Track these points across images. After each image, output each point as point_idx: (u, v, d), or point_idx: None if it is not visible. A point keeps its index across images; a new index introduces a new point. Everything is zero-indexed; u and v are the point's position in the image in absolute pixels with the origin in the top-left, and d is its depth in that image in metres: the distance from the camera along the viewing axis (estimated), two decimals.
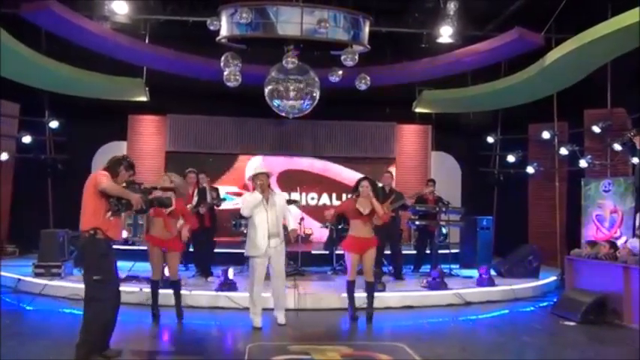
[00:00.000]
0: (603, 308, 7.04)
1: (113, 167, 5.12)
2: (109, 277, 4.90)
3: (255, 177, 6.45)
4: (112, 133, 12.48)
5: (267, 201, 6.39)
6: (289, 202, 7.07)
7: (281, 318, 6.59)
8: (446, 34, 9.80)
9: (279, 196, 6.72)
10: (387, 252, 9.28)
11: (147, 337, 6.33)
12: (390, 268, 9.36)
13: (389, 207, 7.68)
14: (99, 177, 4.94)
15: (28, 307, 7.39)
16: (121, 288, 7.49)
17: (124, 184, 5.18)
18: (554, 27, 9.87)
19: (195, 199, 8.61)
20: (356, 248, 6.81)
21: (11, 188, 11.00)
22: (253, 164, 6.59)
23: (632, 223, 8.57)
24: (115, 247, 11.31)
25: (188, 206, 7.94)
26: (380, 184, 9.16)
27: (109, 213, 4.93)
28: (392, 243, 9.19)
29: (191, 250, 8.98)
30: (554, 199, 11.40)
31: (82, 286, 7.61)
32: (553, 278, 9.45)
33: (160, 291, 6.77)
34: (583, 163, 10.40)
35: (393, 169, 12.87)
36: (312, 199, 12.87)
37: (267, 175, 6.52)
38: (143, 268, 9.20)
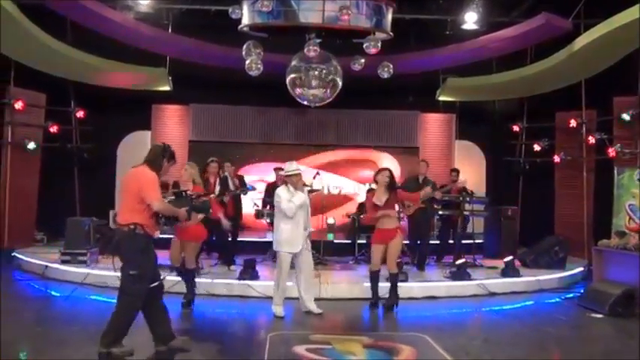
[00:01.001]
0: (632, 300, 6.88)
1: (156, 161, 5.05)
2: (145, 272, 4.91)
3: (292, 177, 6.52)
4: (137, 123, 12.60)
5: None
6: (310, 191, 7.10)
7: (315, 307, 6.64)
8: (471, 20, 9.64)
9: (305, 191, 6.79)
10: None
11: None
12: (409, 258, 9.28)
13: (423, 196, 7.52)
14: (150, 192, 4.85)
15: (55, 293, 7.54)
16: None
17: (172, 197, 5.32)
18: (582, 12, 9.62)
19: (218, 188, 8.64)
20: (379, 239, 6.84)
21: (39, 177, 11.19)
22: (289, 166, 6.62)
23: None
24: None
25: (211, 196, 7.99)
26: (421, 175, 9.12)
27: (157, 224, 5.02)
28: (420, 233, 9.13)
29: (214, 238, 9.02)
30: (581, 188, 11.16)
31: (107, 272, 7.88)
32: (580, 269, 9.28)
33: (176, 278, 6.87)
34: (612, 152, 10.15)
35: (416, 158, 12.76)
36: (335, 188, 12.83)
37: (300, 173, 6.63)
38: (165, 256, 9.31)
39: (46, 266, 8.50)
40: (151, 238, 4.98)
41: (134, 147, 12.68)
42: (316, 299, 6.95)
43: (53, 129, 11.22)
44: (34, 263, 8.82)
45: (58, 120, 11.34)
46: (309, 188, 7.04)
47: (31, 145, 10.78)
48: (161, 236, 10.93)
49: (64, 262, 8.45)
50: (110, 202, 12.20)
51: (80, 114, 11.62)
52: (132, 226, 4.84)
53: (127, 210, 4.91)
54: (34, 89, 10.93)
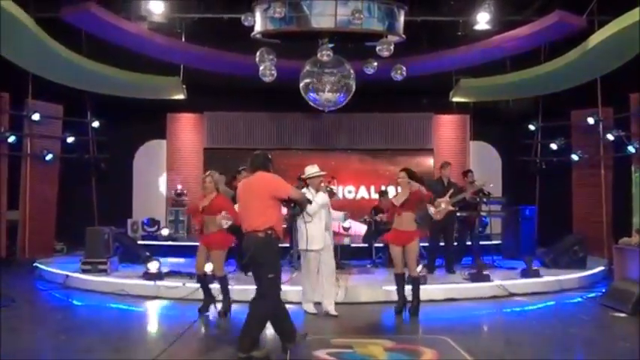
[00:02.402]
0: None
1: (266, 165, 5.26)
2: (280, 274, 5.17)
3: (314, 180, 6.72)
4: (152, 132, 12.72)
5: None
6: (330, 192, 7.13)
7: (332, 309, 6.75)
8: (483, 20, 9.59)
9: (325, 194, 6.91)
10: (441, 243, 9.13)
11: (192, 332, 6.43)
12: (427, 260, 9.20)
13: (449, 202, 7.34)
14: (281, 185, 5.16)
15: (76, 302, 7.61)
16: (163, 283, 7.78)
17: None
18: (596, 8, 9.54)
19: None
20: (396, 240, 6.79)
21: (57, 188, 11.32)
22: (311, 169, 6.81)
23: None
24: (158, 243, 11.62)
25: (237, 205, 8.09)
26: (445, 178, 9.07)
27: (290, 216, 5.37)
28: (445, 236, 9.04)
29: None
30: (599, 186, 11.04)
31: (127, 281, 7.94)
32: (601, 268, 9.17)
33: (195, 285, 6.92)
34: (631, 149, 10.03)
35: (430, 160, 12.74)
36: (350, 192, 12.82)
37: (321, 176, 6.83)
38: (187, 263, 9.38)
39: (67, 276, 8.58)
40: (280, 240, 5.20)
41: (150, 156, 12.83)
42: (335, 303, 6.97)
43: (70, 140, 11.35)
44: (55, 273, 8.91)
45: (74, 131, 11.48)
46: (329, 188, 7.08)
47: (49, 157, 10.92)
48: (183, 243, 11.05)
49: (84, 271, 8.52)
50: (127, 210, 12.35)
51: (96, 124, 11.76)
52: (268, 232, 4.99)
53: (260, 215, 5.02)
54: (51, 101, 11.08)
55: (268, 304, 5.02)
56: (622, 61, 9.26)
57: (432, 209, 6.84)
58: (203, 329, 6.54)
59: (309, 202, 5.72)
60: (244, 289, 7.48)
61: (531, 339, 6.00)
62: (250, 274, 8.38)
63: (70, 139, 11.36)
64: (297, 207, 5.35)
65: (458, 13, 10.45)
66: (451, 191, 7.75)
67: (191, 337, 6.17)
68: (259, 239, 4.98)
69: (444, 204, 6.88)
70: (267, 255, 5.02)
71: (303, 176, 6.96)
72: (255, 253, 5.00)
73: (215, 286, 6.89)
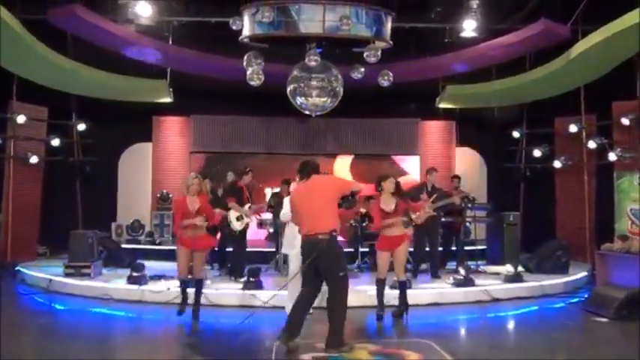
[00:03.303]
0: (637, 304, 6.86)
1: (318, 170, 5.61)
2: (347, 271, 5.47)
3: None
4: (138, 135, 12.66)
5: None
6: None
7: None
8: (469, 27, 9.69)
9: None
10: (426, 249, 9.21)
11: (174, 336, 6.40)
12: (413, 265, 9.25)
13: (431, 206, 7.47)
14: (342, 181, 5.64)
15: (59, 307, 7.53)
16: (147, 287, 7.74)
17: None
18: (580, 18, 9.68)
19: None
20: (385, 246, 6.80)
21: (41, 191, 11.21)
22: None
23: None
24: (142, 247, 11.57)
25: (247, 206, 8.32)
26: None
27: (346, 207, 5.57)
28: (430, 241, 9.10)
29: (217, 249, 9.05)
30: (582, 193, 11.18)
31: (111, 285, 7.88)
32: (583, 274, 9.28)
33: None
34: (612, 157, 10.18)
35: (416, 165, 12.81)
36: None
37: None
38: (171, 267, 9.33)
39: (50, 280, 8.49)
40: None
41: (135, 159, 12.75)
42: (319, 307, 6.98)
43: (55, 142, 11.26)
44: (38, 277, 8.81)
45: (59, 133, 11.38)
46: None
47: (34, 159, 10.81)
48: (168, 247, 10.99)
49: (67, 275, 8.44)
50: (112, 214, 12.26)
51: (81, 127, 11.67)
52: (333, 233, 5.25)
53: (326, 217, 5.27)
54: (36, 103, 10.98)
55: (344, 300, 5.34)
56: (605, 69, 9.40)
57: (413, 214, 6.91)
58: (185, 333, 6.50)
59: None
60: (222, 293, 7.53)
61: (514, 343, 6.07)
62: (240, 279, 8.54)
63: (55, 142, 11.25)
64: (345, 202, 5.51)
65: (445, 20, 10.55)
66: (434, 196, 7.82)
67: (175, 341, 6.15)
68: (324, 242, 5.21)
69: (420, 208, 6.95)
70: (335, 256, 5.33)
71: (293, 184, 7.07)
72: (321, 255, 5.20)
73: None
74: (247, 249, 9.04)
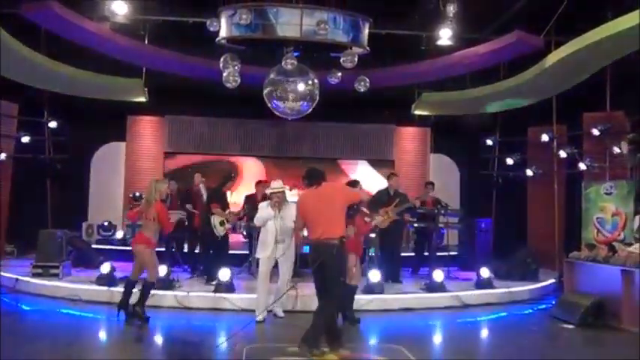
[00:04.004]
0: (602, 311, 7.03)
1: (326, 178, 5.84)
2: (345, 278, 5.75)
3: (273, 194, 6.86)
4: (111, 134, 12.50)
5: (279, 211, 6.82)
6: None
7: (280, 312, 7.07)
8: (445, 36, 9.80)
9: (291, 206, 6.93)
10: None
11: (142, 338, 6.32)
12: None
13: (393, 210, 7.52)
14: (351, 191, 5.93)
15: (25, 307, 7.38)
16: (117, 289, 7.64)
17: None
18: (553, 29, 9.87)
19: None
20: (360, 249, 6.91)
21: (10, 188, 10.96)
22: (275, 184, 6.93)
23: None
24: (113, 248, 11.40)
25: (228, 210, 8.43)
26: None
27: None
28: (393, 246, 9.17)
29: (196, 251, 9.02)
30: (552, 201, 11.38)
31: (80, 286, 7.75)
32: (552, 281, 9.44)
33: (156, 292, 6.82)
34: (582, 166, 10.40)
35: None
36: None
37: (284, 191, 6.95)
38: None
39: (17, 279, 8.31)
40: None
41: (108, 158, 12.59)
42: (292, 311, 7.00)
43: (25, 139, 11.04)
44: (4, 276, 8.60)
45: (30, 131, 11.16)
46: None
47: (2, 156, 10.57)
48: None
49: (35, 275, 8.27)
50: (83, 214, 12.06)
51: (53, 124, 11.47)
52: (342, 239, 5.44)
53: (336, 224, 5.48)
54: (7, 99, 10.75)
55: (337, 304, 5.57)
56: (576, 81, 9.60)
57: (378, 218, 6.95)
58: (154, 336, 6.44)
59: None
60: (194, 296, 7.47)
61: (483, 348, 6.15)
62: (212, 282, 8.49)
63: (25, 139, 11.03)
64: (350, 210, 5.79)
65: (422, 28, 10.65)
66: (397, 201, 7.89)
67: (143, 343, 6.07)
68: (334, 247, 5.39)
69: (383, 213, 6.99)
70: (341, 261, 5.54)
71: (268, 190, 7.08)
72: (329, 259, 5.37)
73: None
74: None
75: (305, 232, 5.96)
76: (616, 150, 9.81)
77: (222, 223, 8.46)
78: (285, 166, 12.83)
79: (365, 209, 6.65)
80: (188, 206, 9.17)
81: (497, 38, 9.98)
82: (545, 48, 9.75)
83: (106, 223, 11.67)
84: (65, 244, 8.93)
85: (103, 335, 6.60)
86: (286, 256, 6.89)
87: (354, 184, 7.27)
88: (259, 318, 6.72)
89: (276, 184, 6.96)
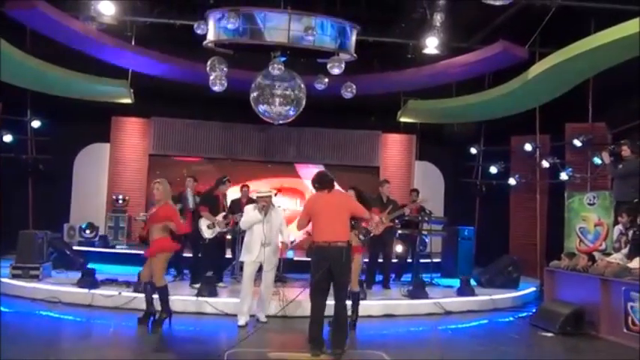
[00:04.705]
0: (581, 320, 7.11)
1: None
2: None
3: (260, 199, 6.88)
4: (95, 135, 12.39)
5: (265, 215, 6.82)
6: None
7: (262, 317, 7.01)
8: (432, 45, 9.90)
9: (278, 211, 7.12)
10: (380, 260, 9.29)
11: (122, 341, 6.27)
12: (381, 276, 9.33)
13: (387, 217, 7.58)
14: (357, 204, 6.07)
15: (4, 309, 7.27)
16: (98, 291, 7.57)
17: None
18: (538, 41, 10.02)
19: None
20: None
21: None
22: (261, 187, 7.03)
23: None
24: (94, 250, 11.25)
25: (220, 215, 8.40)
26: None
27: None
28: (384, 252, 9.21)
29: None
30: (535, 210, 11.51)
31: (60, 288, 7.66)
32: (532, 289, 9.54)
33: (132, 294, 6.77)
34: (564, 176, 10.53)
35: (376, 177, 12.93)
36: (296, 205, 12.85)
37: (271, 196, 7.00)
38: (124, 271, 9.16)
39: None
40: None
41: (92, 159, 12.47)
42: (275, 316, 6.98)
43: (7, 138, 10.91)
44: None
45: (12, 130, 11.04)
46: (284, 209, 7.28)
47: None
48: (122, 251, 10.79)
49: (14, 276, 8.16)
50: (65, 215, 11.93)
51: (36, 124, 11.35)
52: (349, 242, 5.74)
53: (343, 228, 5.73)
54: None
55: (345, 305, 5.78)
56: (559, 92, 9.75)
57: (372, 224, 6.96)
58: (136, 340, 6.38)
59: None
60: (176, 299, 7.42)
61: (463, 355, 6.17)
62: (195, 285, 8.45)
63: (8, 138, 10.91)
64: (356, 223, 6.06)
65: (408, 36, 10.74)
66: (390, 207, 7.93)
67: (123, 347, 6.02)
68: (343, 250, 5.64)
69: (378, 219, 7.04)
70: (348, 264, 5.82)
71: (256, 195, 7.11)
72: (339, 261, 5.62)
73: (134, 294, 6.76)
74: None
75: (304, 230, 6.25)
76: (597, 161, 9.95)
77: (209, 227, 8.46)
78: (270, 170, 12.85)
79: (365, 225, 6.72)
80: (177, 205, 9.09)
81: (483, 48, 10.11)
82: (529, 59, 9.89)
83: (84, 226, 11.36)
84: (46, 246, 8.82)
85: (82, 338, 6.53)
86: (271, 260, 6.88)
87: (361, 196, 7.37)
88: (241, 322, 6.72)
89: (264, 189, 7.06)
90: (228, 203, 8.94)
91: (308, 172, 12.69)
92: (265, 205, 6.84)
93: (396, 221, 9.62)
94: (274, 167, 12.97)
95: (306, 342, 6.35)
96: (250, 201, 8.03)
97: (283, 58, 8.64)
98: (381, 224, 7.16)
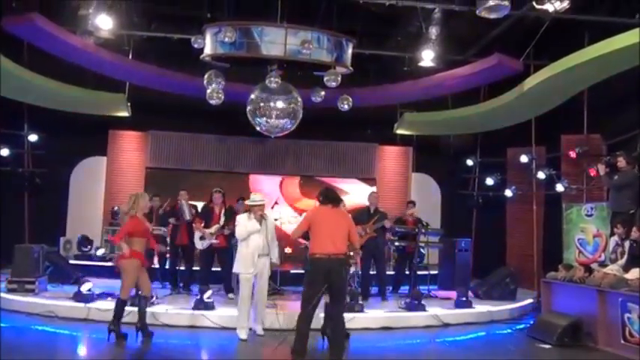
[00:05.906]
0: (578, 331, 7.10)
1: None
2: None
3: (254, 207, 6.86)
4: (92, 148, 12.39)
5: (260, 224, 6.81)
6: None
7: (259, 329, 6.96)
8: (427, 57, 9.97)
9: (270, 220, 7.11)
10: (372, 272, 9.30)
11: (118, 356, 6.23)
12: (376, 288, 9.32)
13: (372, 228, 7.66)
14: (355, 228, 6.21)
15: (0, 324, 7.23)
16: (94, 305, 7.54)
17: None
18: (532, 53, 10.10)
19: (223, 218, 8.75)
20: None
21: None
22: (254, 197, 6.98)
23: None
24: (91, 263, 11.22)
25: (215, 227, 8.51)
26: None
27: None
28: (377, 264, 9.22)
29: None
30: (531, 222, 11.52)
31: (56, 302, 7.62)
32: (530, 301, 9.51)
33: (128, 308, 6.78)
34: (560, 188, 10.57)
35: (373, 189, 12.95)
36: (294, 217, 12.85)
37: (264, 204, 7.01)
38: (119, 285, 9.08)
39: None
40: None
41: (88, 173, 12.47)
42: (272, 329, 6.95)
43: (4, 152, 10.91)
44: None
45: (9, 143, 11.05)
46: (275, 219, 7.27)
47: None
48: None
49: (10, 290, 8.12)
50: (61, 229, 11.89)
51: (33, 138, 11.35)
52: (348, 254, 5.94)
53: (343, 241, 5.87)
54: None
55: (343, 316, 5.91)
56: (555, 104, 9.80)
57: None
58: (133, 353, 6.34)
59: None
60: (172, 313, 7.40)
61: None
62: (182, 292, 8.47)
63: (4, 152, 10.91)
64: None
65: (404, 49, 10.82)
66: (375, 218, 7.95)
67: None
68: (342, 262, 5.79)
69: (362, 231, 7.11)
70: (346, 276, 6.03)
71: (247, 203, 7.10)
72: (339, 274, 5.77)
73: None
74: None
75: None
76: (592, 172, 9.98)
77: (201, 238, 8.64)
78: (268, 183, 12.85)
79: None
80: (171, 220, 9.13)
81: (478, 61, 10.18)
82: (524, 71, 9.97)
83: (80, 237, 11.35)
84: (42, 260, 8.80)
85: (79, 353, 6.49)
86: (266, 272, 6.87)
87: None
88: (243, 336, 6.68)
89: (257, 197, 6.96)
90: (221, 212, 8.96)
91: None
92: (261, 213, 6.81)
93: (390, 233, 9.63)
94: (271, 179, 12.98)
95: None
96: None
97: (280, 72, 8.67)
98: (364, 235, 7.25)
